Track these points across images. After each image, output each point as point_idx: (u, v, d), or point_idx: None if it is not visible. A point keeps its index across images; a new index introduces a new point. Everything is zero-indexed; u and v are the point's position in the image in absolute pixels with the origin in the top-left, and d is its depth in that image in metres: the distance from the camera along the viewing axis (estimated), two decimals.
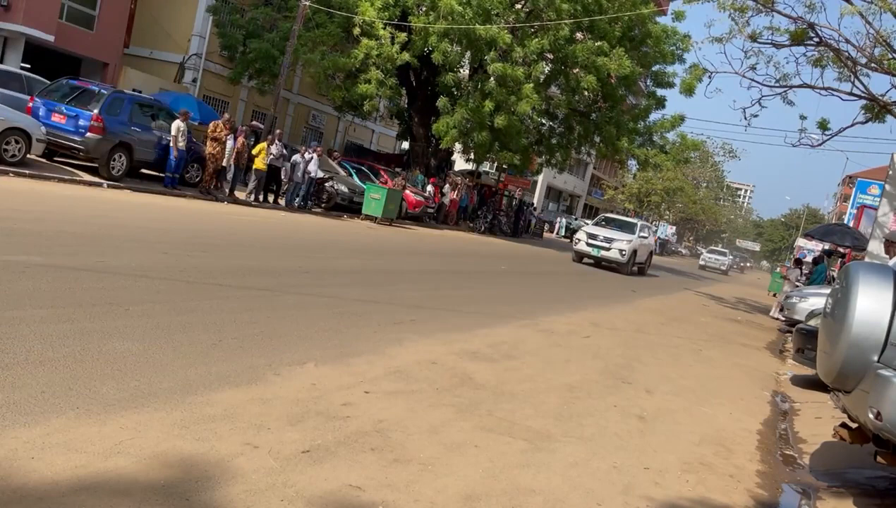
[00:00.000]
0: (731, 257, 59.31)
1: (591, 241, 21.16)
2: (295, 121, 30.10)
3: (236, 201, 15.98)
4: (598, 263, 21.24)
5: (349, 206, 19.99)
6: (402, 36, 21.21)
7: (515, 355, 6.73)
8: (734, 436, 5.56)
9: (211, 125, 15.66)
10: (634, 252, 21.15)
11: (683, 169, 57.20)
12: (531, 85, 21.68)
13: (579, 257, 21.77)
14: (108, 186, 13.20)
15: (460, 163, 33.71)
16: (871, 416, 3.66)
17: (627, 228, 22.41)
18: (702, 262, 51.67)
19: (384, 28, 20.84)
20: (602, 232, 21.51)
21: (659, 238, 62.49)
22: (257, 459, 3.25)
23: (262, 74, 22.38)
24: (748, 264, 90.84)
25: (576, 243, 21.92)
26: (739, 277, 54.78)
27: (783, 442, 5.83)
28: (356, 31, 20.79)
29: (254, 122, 22.49)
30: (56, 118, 13.14)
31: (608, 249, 20.71)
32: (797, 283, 17.25)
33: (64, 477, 2.73)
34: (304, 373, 4.68)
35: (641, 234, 22.46)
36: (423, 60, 22.82)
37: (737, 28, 16.52)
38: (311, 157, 18.03)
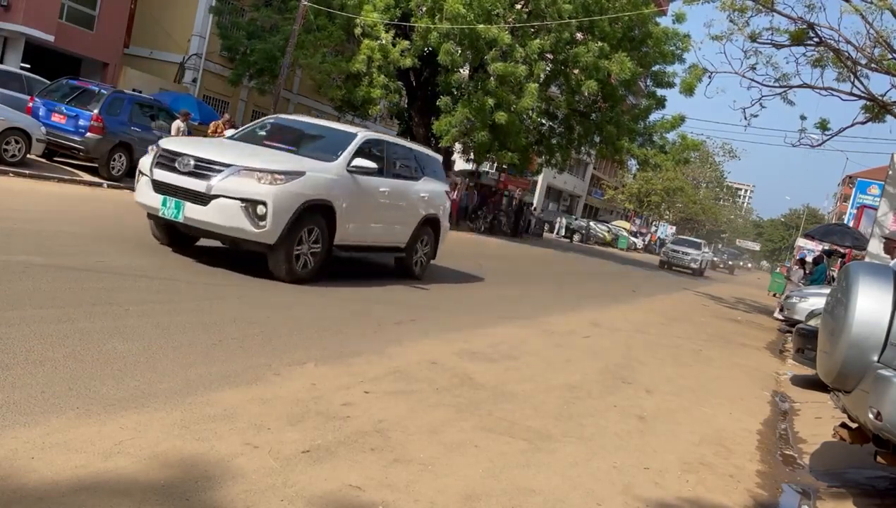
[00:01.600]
0: (707, 251, 39.91)
1: (164, 178, 6.97)
2: None
3: None
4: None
5: None
6: (405, 43, 21.23)
7: (515, 355, 6.72)
8: (734, 436, 5.56)
9: (211, 125, 15.66)
10: (322, 210, 7.43)
11: (683, 169, 56.76)
12: (535, 84, 21.65)
13: (161, 231, 7.84)
14: (108, 186, 13.20)
15: (460, 164, 33.71)
16: (871, 416, 3.66)
17: (314, 142, 8.62)
18: (663, 257, 35.39)
19: (386, 31, 20.85)
20: (202, 150, 7.11)
21: (658, 238, 62.47)
22: (257, 459, 3.25)
23: (262, 75, 22.40)
24: (747, 265, 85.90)
25: (137, 179, 7.48)
26: (730, 278, 44.28)
27: (783, 442, 5.83)
28: (357, 31, 20.80)
29: None
30: (56, 118, 13.15)
31: (202, 199, 6.74)
32: (800, 284, 17.28)
33: (64, 477, 2.73)
34: (304, 373, 4.68)
35: (357, 165, 7.85)
36: (424, 60, 22.81)
37: (737, 28, 16.56)
38: None
